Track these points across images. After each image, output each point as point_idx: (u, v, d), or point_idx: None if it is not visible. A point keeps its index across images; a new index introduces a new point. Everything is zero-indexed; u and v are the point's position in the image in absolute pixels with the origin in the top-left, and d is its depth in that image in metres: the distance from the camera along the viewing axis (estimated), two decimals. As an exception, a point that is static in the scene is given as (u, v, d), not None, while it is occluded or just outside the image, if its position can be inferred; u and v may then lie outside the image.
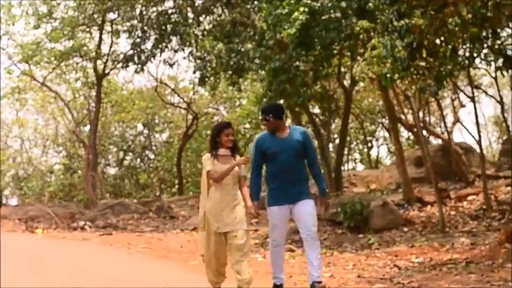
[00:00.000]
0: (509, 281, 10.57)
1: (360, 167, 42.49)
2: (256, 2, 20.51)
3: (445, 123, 26.93)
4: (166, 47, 26.69)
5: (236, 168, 8.88)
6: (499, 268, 11.84)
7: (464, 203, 20.73)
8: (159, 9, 26.23)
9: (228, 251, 8.82)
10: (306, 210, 8.97)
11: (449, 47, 12.22)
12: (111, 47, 32.60)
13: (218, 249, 8.80)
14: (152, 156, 42.96)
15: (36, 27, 30.72)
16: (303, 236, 9.06)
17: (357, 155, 44.32)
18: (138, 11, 26.42)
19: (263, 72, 19.97)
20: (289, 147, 9.00)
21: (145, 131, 42.70)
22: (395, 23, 11.18)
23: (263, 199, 9.08)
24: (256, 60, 19.92)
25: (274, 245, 9.19)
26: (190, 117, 37.73)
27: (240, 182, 9.00)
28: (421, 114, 26.58)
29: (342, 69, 23.49)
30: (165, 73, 51.39)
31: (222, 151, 8.99)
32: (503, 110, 26.11)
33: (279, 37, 18.94)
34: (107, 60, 32.57)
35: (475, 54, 13.87)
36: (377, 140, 42.52)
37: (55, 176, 41.94)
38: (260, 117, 9.36)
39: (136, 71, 27.73)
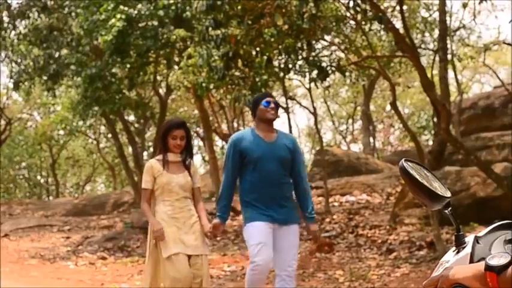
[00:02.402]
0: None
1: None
2: (73, 8, 20.18)
3: (258, 133, 27.42)
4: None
5: (188, 178, 7.15)
6: (310, 277, 12.17)
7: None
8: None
9: None
10: (290, 240, 7.06)
11: (265, 57, 12.47)
12: None
13: (188, 271, 6.90)
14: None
15: None
16: (277, 272, 7.08)
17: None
18: None
19: (79, 78, 19.67)
20: (277, 155, 7.05)
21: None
22: (212, 32, 11.29)
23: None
24: (72, 66, 19.58)
25: (258, 271, 6.88)
26: (3, 122, 36.63)
27: (194, 196, 7.26)
28: (235, 123, 26.98)
29: (158, 77, 23.46)
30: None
31: (171, 156, 7.21)
32: (316, 121, 26.78)
33: (95, 43, 18.75)
34: None
35: (290, 65, 14.26)
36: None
37: None
38: (264, 101, 7.09)
39: None
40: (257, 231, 6.90)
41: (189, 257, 6.98)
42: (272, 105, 6.99)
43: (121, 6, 16.86)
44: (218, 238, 15.17)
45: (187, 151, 7.29)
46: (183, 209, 7.09)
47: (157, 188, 7.13)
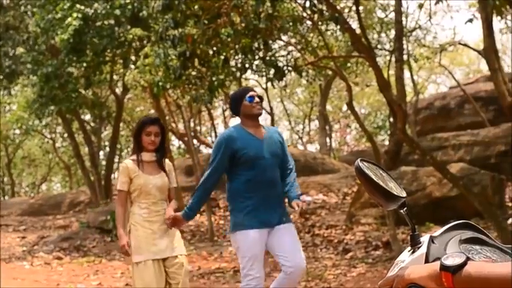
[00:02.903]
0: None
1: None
2: (29, 6, 20.00)
3: (215, 132, 27.50)
4: None
5: (165, 179, 6.86)
6: (266, 277, 12.12)
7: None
8: None
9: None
10: (290, 235, 6.61)
11: (222, 57, 12.46)
12: None
13: (157, 281, 6.68)
14: None
15: None
16: (286, 270, 6.46)
17: (128, 163, 44.17)
18: None
19: (35, 77, 19.51)
20: (271, 152, 6.62)
21: None
22: (171, 31, 11.24)
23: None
24: (28, 65, 19.42)
25: (254, 285, 6.48)
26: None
27: (169, 195, 7.01)
28: (192, 123, 26.93)
29: (114, 77, 23.32)
30: None
31: (146, 156, 6.88)
32: (272, 121, 26.94)
33: (52, 42, 18.60)
34: None
35: (246, 65, 14.25)
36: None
37: None
38: (248, 96, 6.65)
39: None
40: (251, 242, 6.42)
41: (166, 259, 6.73)
42: (257, 99, 6.61)
43: (77, 5, 16.74)
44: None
45: (162, 150, 6.96)
46: (159, 213, 6.80)
47: (134, 190, 6.81)
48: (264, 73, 15.03)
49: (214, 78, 13.25)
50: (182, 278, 6.80)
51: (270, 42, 13.72)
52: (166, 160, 7.07)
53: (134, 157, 6.90)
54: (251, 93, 6.67)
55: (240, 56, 13.52)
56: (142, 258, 6.65)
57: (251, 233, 6.40)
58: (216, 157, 6.58)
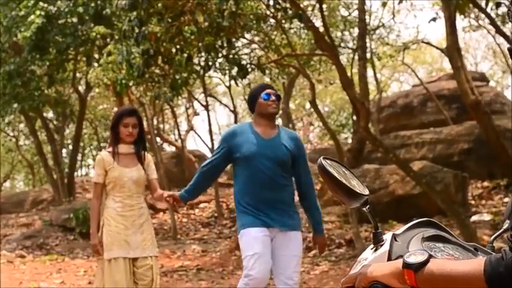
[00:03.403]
0: None
1: (93, 173, 42.09)
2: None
3: (179, 130, 27.41)
4: None
5: (141, 172, 6.72)
6: (229, 275, 12.21)
7: (196, 210, 21.17)
8: None
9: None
10: (289, 249, 6.19)
11: (185, 55, 12.42)
12: None
13: (126, 280, 6.53)
14: None
15: None
16: (277, 285, 6.30)
17: (90, 161, 43.93)
18: None
19: (-3, 75, 19.34)
20: (273, 154, 6.19)
21: None
22: (135, 29, 11.18)
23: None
24: (-10, 63, 19.26)
25: (253, 284, 6.04)
26: None
27: (150, 187, 6.92)
28: (155, 121, 26.84)
29: (78, 75, 23.17)
30: None
31: (123, 148, 6.73)
32: (236, 119, 26.89)
33: (14, 40, 18.44)
34: None
35: (210, 63, 14.22)
36: (111, 146, 42.37)
37: None
38: (264, 93, 6.32)
39: None
40: (252, 240, 6.09)
41: (136, 259, 6.61)
42: (273, 97, 6.28)
43: (40, 3, 16.62)
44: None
45: (140, 142, 6.82)
46: (134, 207, 6.68)
47: (108, 183, 6.69)
48: (227, 71, 15.04)
49: (177, 76, 13.22)
50: (155, 280, 6.65)
51: (234, 40, 13.69)
52: (146, 153, 6.91)
53: (111, 149, 6.78)
54: (268, 90, 6.37)
55: (203, 54, 13.49)
56: (114, 255, 6.52)
57: (252, 231, 6.10)
58: (216, 149, 6.43)
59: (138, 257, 6.61)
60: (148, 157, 6.96)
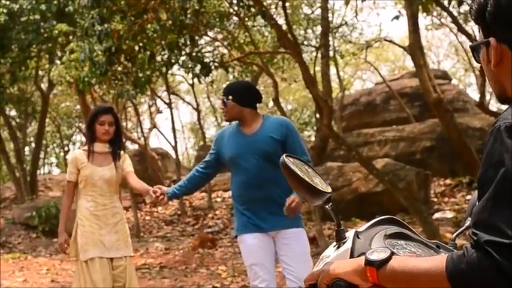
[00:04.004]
0: (202, 286, 10.92)
1: (56, 171, 41.86)
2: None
3: (141, 128, 27.32)
4: None
5: (113, 172, 6.62)
6: (193, 273, 12.20)
7: (159, 208, 21.11)
8: None
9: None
10: (292, 249, 5.86)
11: (148, 52, 12.38)
12: None
13: (104, 280, 6.43)
14: None
15: None
16: (289, 285, 5.92)
17: (53, 159, 43.70)
18: None
19: (-41, 72, 19.14)
20: (257, 149, 5.82)
21: None
22: (97, 27, 11.11)
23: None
24: (-48, 60, 19.04)
25: None
26: None
27: (128, 180, 6.71)
28: (118, 119, 26.68)
29: (40, 72, 23.00)
30: None
31: (98, 147, 6.64)
32: (199, 117, 26.87)
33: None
34: None
35: (173, 61, 14.19)
36: (74, 144, 42.06)
37: None
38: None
39: None
40: (248, 250, 5.86)
41: (112, 259, 6.53)
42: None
43: (2, 0, 16.47)
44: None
45: (116, 141, 6.71)
46: (107, 206, 6.60)
47: (80, 181, 6.59)
48: (190, 69, 14.99)
49: (140, 74, 13.18)
50: (128, 280, 6.57)
51: (197, 38, 13.68)
52: (123, 153, 6.85)
53: (86, 147, 6.71)
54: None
55: (166, 51, 13.45)
56: (90, 255, 6.45)
57: (248, 239, 5.84)
58: (209, 151, 6.19)
59: (113, 257, 6.54)
60: (125, 155, 6.88)
